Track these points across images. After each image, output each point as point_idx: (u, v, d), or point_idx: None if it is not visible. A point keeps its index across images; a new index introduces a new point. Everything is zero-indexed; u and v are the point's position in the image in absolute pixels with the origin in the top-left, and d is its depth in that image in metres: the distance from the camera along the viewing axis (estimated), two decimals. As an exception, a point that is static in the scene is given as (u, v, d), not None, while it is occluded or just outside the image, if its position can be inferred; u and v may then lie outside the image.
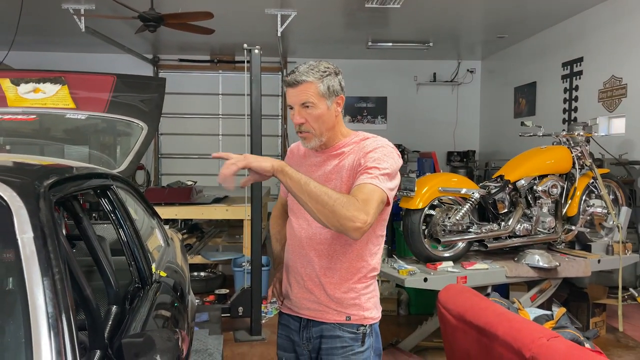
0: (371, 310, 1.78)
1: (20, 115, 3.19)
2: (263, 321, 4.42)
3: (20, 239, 1.11)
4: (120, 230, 1.97)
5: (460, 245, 3.69)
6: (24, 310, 1.02)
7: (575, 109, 6.51)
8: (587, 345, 2.42)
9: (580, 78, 6.43)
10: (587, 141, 4.26)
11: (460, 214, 3.59)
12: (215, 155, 1.59)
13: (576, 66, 6.49)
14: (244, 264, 4.87)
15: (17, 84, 3.14)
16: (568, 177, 4.08)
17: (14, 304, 1.07)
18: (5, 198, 1.18)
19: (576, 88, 6.50)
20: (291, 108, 1.73)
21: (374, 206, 1.56)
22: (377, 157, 1.65)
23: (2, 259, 1.16)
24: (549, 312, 2.91)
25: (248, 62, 4.19)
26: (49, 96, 3.15)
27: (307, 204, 1.53)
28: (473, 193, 3.65)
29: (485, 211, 3.80)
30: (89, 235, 1.59)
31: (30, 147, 3.99)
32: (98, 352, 1.25)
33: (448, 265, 3.58)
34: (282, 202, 2.06)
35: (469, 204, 3.64)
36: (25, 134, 3.98)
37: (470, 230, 3.68)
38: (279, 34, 6.26)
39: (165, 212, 4.79)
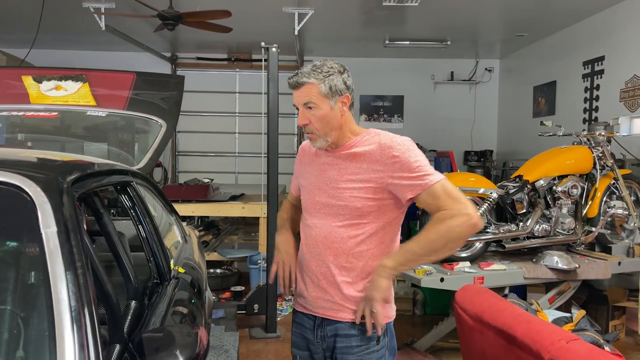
0: (386, 309, 1.76)
1: (42, 112, 3.24)
2: (278, 319, 4.43)
3: (44, 233, 1.13)
4: (140, 227, 1.99)
5: (478, 245, 3.66)
6: (48, 304, 1.04)
7: (596, 109, 6.41)
8: (606, 348, 2.38)
9: (601, 77, 6.32)
10: (609, 141, 4.18)
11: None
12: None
13: (597, 65, 6.38)
14: (259, 261, 4.89)
15: (40, 82, 3.19)
16: (588, 178, 4.02)
17: (38, 297, 1.09)
18: (30, 193, 1.20)
19: (597, 87, 6.39)
20: (297, 109, 1.74)
21: (458, 193, 1.67)
22: (413, 159, 1.67)
23: (26, 252, 1.18)
24: (568, 315, 2.87)
25: (265, 60, 4.20)
26: (70, 94, 3.20)
27: (444, 253, 1.67)
28: (491, 193, 3.62)
29: (503, 211, 3.76)
30: (109, 231, 1.61)
31: (51, 144, 4.05)
32: (118, 346, 1.26)
33: (465, 265, 3.55)
34: (292, 198, 2.04)
35: (486, 204, 3.60)
36: (47, 131, 4.04)
37: (488, 230, 3.64)
38: (296, 33, 6.27)
39: (182, 209, 4.83)
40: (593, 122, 5.84)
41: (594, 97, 6.45)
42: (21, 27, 6.80)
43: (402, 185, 1.66)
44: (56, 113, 3.31)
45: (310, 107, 1.69)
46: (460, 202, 1.64)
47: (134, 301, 1.57)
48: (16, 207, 1.21)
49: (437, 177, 1.67)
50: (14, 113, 3.41)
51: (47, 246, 1.11)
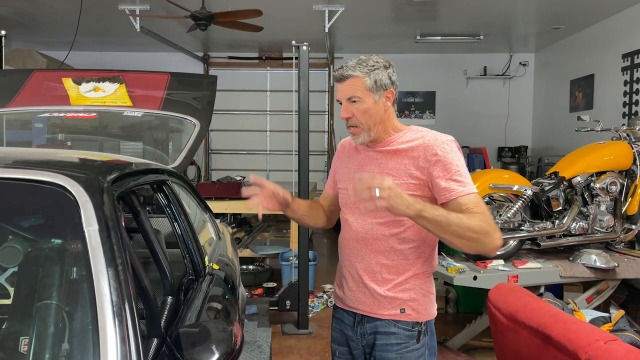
0: (427, 307, 1.75)
1: (82, 113, 3.34)
2: (310, 315, 4.46)
3: (86, 231, 1.18)
4: (175, 224, 2.03)
5: (512, 243, 3.60)
6: (91, 298, 1.08)
7: (637, 103, 6.20)
8: (647, 349, 2.31)
9: (642, 70, 6.11)
10: (650, 136, 4.05)
11: (512, 211, 3.49)
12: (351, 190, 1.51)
13: (637, 57, 6.17)
14: (291, 258, 4.93)
15: (79, 83, 3.30)
16: (628, 174, 3.90)
17: (81, 292, 1.14)
18: (73, 192, 1.25)
19: (637, 80, 6.18)
20: (340, 103, 1.74)
21: (489, 213, 1.61)
22: (454, 162, 1.63)
23: (70, 249, 1.23)
24: (606, 314, 2.80)
25: (296, 58, 4.22)
26: (108, 95, 3.29)
27: (451, 242, 1.55)
28: (525, 190, 3.55)
29: (538, 209, 3.69)
30: (146, 229, 1.65)
31: (89, 143, 4.19)
32: (155, 340, 1.30)
33: (499, 263, 3.50)
34: (325, 198, 2.01)
35: (521, 201, 3.54)
36: (85, 131, 4.18)
37: (522, 228, 3.58)
38: (326, 30, 6.27)
39: (215, 206, 4.90)
40: (633, 117, 5.65)
41: (634, 90, 6.24)
42: (60, 30, 7.04)
43: (437, 186, 1.64)
44: (95, 114, 3.41)
45: (354, 101, 1.68)
46: (491, 223, 1.56)
47: (170, 297, 1.61)
48: (60, 206, 1.26)
49: (473, 189, 1.63)
50: (55, 114, 3.53)
51: (89, 243, 1.16)
